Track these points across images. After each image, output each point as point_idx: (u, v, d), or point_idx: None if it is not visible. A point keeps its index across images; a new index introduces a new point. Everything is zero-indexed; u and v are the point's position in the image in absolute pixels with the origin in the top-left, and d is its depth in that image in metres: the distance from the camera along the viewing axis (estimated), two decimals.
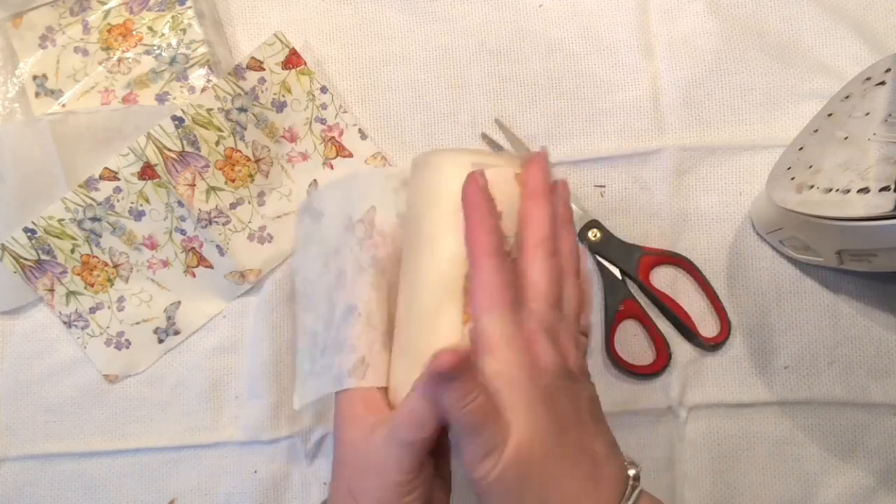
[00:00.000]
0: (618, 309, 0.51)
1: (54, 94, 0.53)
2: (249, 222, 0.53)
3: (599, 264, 0.52)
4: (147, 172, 0.51)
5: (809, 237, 0.46)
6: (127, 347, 0.53)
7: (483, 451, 0.33)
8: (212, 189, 0.52)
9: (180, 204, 0.52)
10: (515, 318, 0.35)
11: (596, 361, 0.52)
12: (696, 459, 0.51)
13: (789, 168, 0.46)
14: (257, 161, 0.53)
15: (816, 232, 0.45)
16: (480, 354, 0.34)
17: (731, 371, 0.51)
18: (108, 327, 0.53)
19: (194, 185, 0.51)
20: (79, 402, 0.53)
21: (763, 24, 0.54)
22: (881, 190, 0.38)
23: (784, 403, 0.51)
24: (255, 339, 0.52)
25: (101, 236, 0.52)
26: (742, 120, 0.53)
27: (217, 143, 0.52)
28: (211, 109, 0.51)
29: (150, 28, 0.52)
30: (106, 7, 0.53)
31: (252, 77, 0.52)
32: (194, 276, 0.53)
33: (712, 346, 0.51)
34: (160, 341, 0.53)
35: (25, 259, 0.52)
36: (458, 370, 0.32)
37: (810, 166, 0.44)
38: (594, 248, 0.52)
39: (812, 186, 0.42)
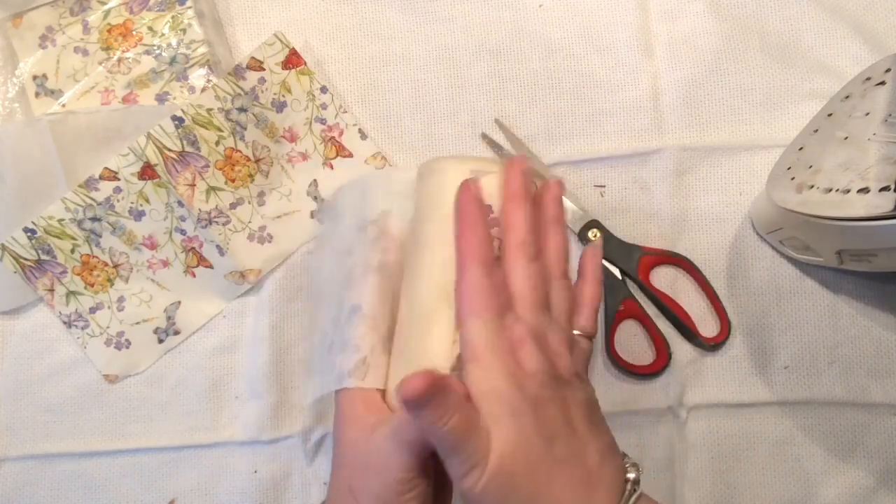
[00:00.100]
0: (618, 309, 0.51)
1: (54, 94, 0.53)
2: (249, 222, 0.53)
3: None
4: (147, 172, 0.51)
5: (809, 237, 0.46)
6: (127, 347, 0.53)
7: (466, 466, 0.32)
8: (212, 189, 0.52)
9: (180, 204, 0.52)
10: (501, 325, 0.34)
11: (596, 361, 0.52)
12: (696, 459, 0.51)
13: (789, 168, 0.46)
14: (257, 161, 0.53)
15: (816, 232, 0.44)
16: (466, 361, 0.34)
17: (731, 371, 0.51)
18: (108, 327, 0.53)
19: (194, 185, 0.51)
20: (79, 402, 0.53)
21: (763, 24, 0.54)
22: (881, 190, 0.38)
23: (784, 403, 0.51)
24: (255, 339, 0.52)
25: (101, 236, 0.52)
26: (742, 120, 0.53)
27: (217, 143, 0.52)
28: (211, 109, 0.51)
29: (150, 28, 0.52)
30: (106, 7, 0.53)
31: (252, 77, 0.52)
32: (194, 276, 0.53)
33: (712, 346, 0.51)
34: (160, 341, 0.53)
35: (25, 259, 0.52)
36: (427, 395, 0.31)
37: (810, 166, 0.44)
38: None
39: (812, 186, 0.42)
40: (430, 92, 0.54)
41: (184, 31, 0.52)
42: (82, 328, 0.53)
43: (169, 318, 0.53)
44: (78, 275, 0.53)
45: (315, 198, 0.54)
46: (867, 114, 0.44)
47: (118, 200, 0.52)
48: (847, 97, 0.47)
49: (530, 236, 0.37)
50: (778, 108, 0.53)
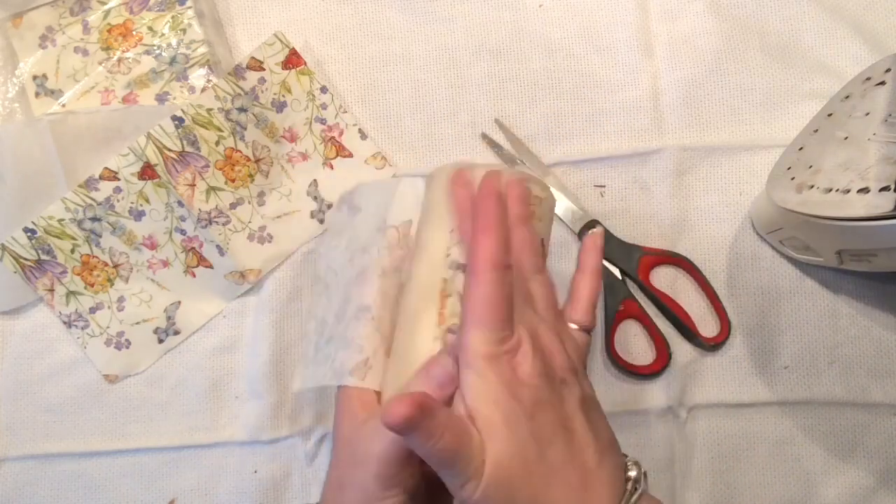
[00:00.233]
0: (618, 309, 0.51)
1: (54, 94, 0.53)
2: (249, 222, 0.53)
3: None
4: (147, 172, 0.51)
5: (809, 237, 0.46)
6: (127, 347, 0.53)
7: (461, 479, 0.32)
8: (212, 189, 0.52)
9: (180, 204, 0.52)
10: (504, 336, 0.34)
11: (596, 361, 0.52)
12: (696, 459, 0.51)
13: (789, 168, 0.46)
14: (257, 161, 0.53)
15: (816, 232, 0.44)
16: (462, 367, 0.34)
17: (731, 371, 0.51)
18: (108, 327, 0.53)
19: (194, 185, 0.51)
20: (79, 402, 0.53)
21: (763, 24, 0.54)
22: (881, 190, 0.38)
23: (784, 403, 0.51)
24: (255, 339, 0.52)
25: (101, 236, 0.52)
26: (742, 120, 0.53)
27: (217, 143, 0.52)
28: (211, 109, 0.51)
29: (150, 28, 0.52)
30: (106, 7, 0.53)
31: (252, 77, 0.52)
32: (194, 276, 0.53)
33: (712, 346, 0.51)
34: (160, 341, 0.53)
35: (25, 259, 0.52)
36: (413, 420, 0.30)
37: (810, 166, 0.44)
38: None
39: (812, 186, 0.42)
40: (430, 92, 0.54)
41: (184, 31, 0.52)
42: (82, 328, 0.53)
43: (169, 318, 0.53)
44: (78, 275, 0.53)
45: (315, 198, 0.54)
46: (867, 114, 0.44)
47: (118, 200, 0.52)
48: (847, 97, 0.47)
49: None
50: (778, 108, 0.53)
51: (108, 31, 0.53)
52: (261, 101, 0.52)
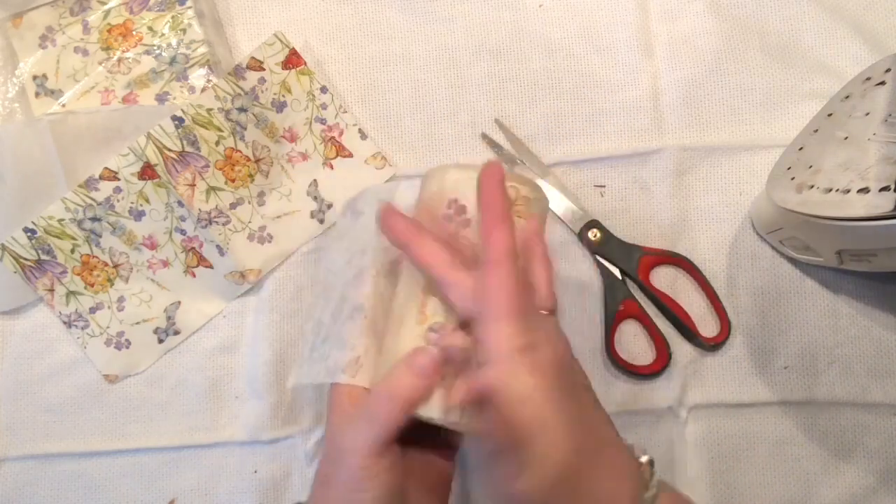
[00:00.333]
0: (618, 309, 0.51)
1: (54, 94, 0.53)
2: (249, 222, 0.53)
3: (599, 264, 0.52)
4: (147, 172, 0.51)
5: (809, 237, 0.46)
6: (127, 347, 0.53)
7: (515, 468, 0.32)
8: (212, 189, 0.52)
9: (180, 204, 0.52)
10: (530, 326, 0.34)
11: (596, 361, 0.52)
12: (696, 459, 0.51)
13: (789, 168, 0.46)
14: (257, 161, 0.53)
15: (816, 232, 0.44)
16: (492, 364, 0.33)
17: (731, 371, 0.51)
18: (108, 327, 0.53)
19: (194, 185, 0.51)
20: (79, 402, 0.53)
21: (763, 24, 0.54)
22: (881, 190, 0.38)
23: (784, 403, 0.51)
24: (255, 339, 0.52)
25: (101, 236, 0.52)
26: (742, 120, 0.53)
27: (217, 143, 0.52)
28: (211, 109, 0.51)
29: (150, 28, 0.52)
30: (106, 7, 0.53)
31: (252, 77, 0.52)
32: (194, 276, 0.53)
33: (712, 346, 0.51)
34: (160, 341, 0.53)
35: (25, 259, 0.52)
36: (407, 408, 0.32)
37: (810, 166, 0.44)
38: (594, 249, 0.52)
39: (812, 186, 0.42)
40: (430, 92, 0.54)
41: (184, 31, 0.52)
42: (82, 328, 0.53)
43: (169, 318, 0.53)
44: (78, 275, 0.53)
45: (315, 198, 0.54)
46: (867, 114, 0.44)
47: (118, 200, 0.52)
48: (847, 97, 0.47)
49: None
50: (778, 108, 0.53)
51: (108, 31, 0.53)
52: (261, 101, 0.52)
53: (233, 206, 0.52)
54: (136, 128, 0.51)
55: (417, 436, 0.38)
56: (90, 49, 0.53)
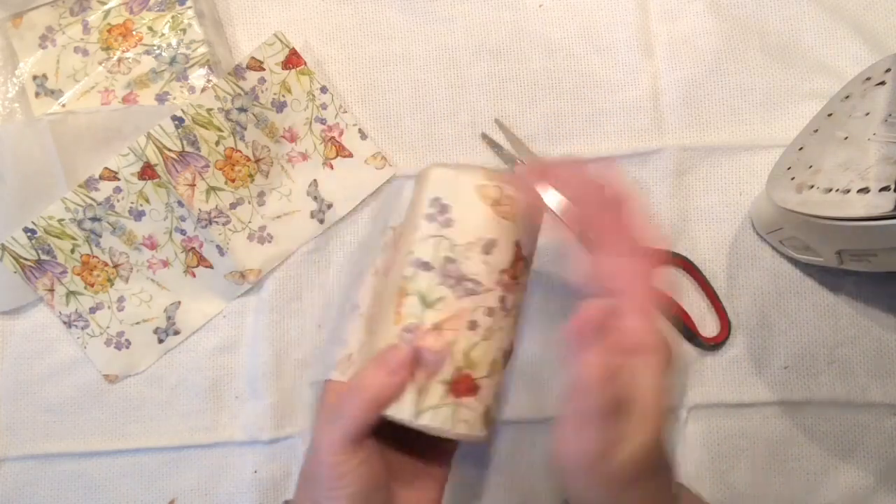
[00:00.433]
0: None
1: (54, 94, 0.53)
2: (249, 222, 0.53)
3: None
4: (147, 172, 0.51)
5: (809, 237, 0.46)
6: (127, 347, 0.53)
7: (617, 436, 0.33)
8: (212, 189, 0.52)
9: (180, 204, 0.52)
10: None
11: None
12: (696, 459, 0.51)
13: (789, 168, 0.46)
14: (257, 161, 0.53)
15: (816, 232, 0.44)
16: (642, 353, 0.34)
17: (731, 371, 0.51)
18: (108, 327, 0.53)
19: (194, 185, 0.51)
20: (79, 402, 0.53)
21: (763, 24, 0.54)
22: (881, 190, 0.38)
23: (784, 403, 0.51)
24: (255, 339, 0.52)
25: (101, 236, 0.52)
26: (742, 120, 0.53)
27: (217, 143, 0.52)
28: (211, 109, 0.51)
29: (150, 28, 0.52)
30: (106, 7, 0.53)
31: (252, 77, 0.52)
32: (194, 276, 0.53)
33: (712, 346, 0.51)
34: (160, 341, 0.53)
35: (25, 259, 0.52)
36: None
37: (810, 166, 0.44)
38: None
39: (812, 186, 0.42)
40: (430, 92, 0.54)
41: (184, 31, 0.52)
42: (82, 328, 0.53)
43: (169, 318, 0.53)
44: (78, 275, 0.53)
45: (315, 198, 0.54)
46: (867, 114, 0.44)
47: (118, 200, 0.52)
48: (847, 97, 0.47)
49: None
50: (778, 108, 0.53)
51: (108, 31, 0.53)
52: (261, 101, 0.52)
53: (233, 206, 0.52)
54: (136, 128, 0.51)
55: (408, 439, 0.38)
56: (90, 49, 0.53)
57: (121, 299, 0.53)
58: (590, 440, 0.33)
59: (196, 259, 0.53)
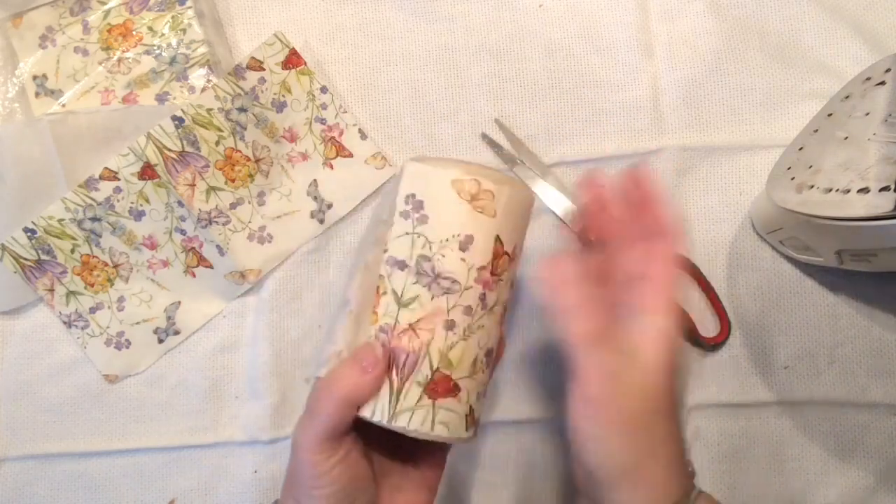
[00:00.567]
0: None
1: (54, 94, 0.53)
2: (249, 222, 0.53)
3: None
4: (147, 172, 0.51)
5: (809, 237, 0.46)
6: (127, 347, 0.53)
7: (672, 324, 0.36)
8: (212, 189, 0.52)
9: (180, 204, 0.52)
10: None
11: None
12: (696, 459, 0.51)
13: (789, 168, 0.46)
14: (257, 161, 0.53)
15: (816, 232, 0.44)
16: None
17: (731, 371, 0.51)
18: (108, 327, 0.53)
19: (194, 185, 0.51)
20: (79, 402, 0.53)
21: (763, 24, 0.54)
22: (881, 190, 0.38)
23: (784, 403, 0.51)
24: (255, 339, 0.52)
25: (101, 236, 0.52)
26: (742, 120, 0.53)
27: (217, 143, 0.52)
28: (211, 109, 0.51)
29: (150, 28, 0.52)
30: (106, 7, 0.53)
31: (252, 77, 0.52)
32: (194, 276, 0.53)
33: (712, 346, 0.51)
34: (160, 341, 0.53)
35: (25, 259, 0.52)
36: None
37: (810, 166, 0.44)
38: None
39: (812, 186, 0.42)
40: (430, 92, 0.54)
41: (184, 31, 0.52)
42: (82, 328, 0.53)
43: (169, 318, 0.53)
44: (78, 275, 0.53)
45: (315, 198, 0.54)
46: (867, 114, 0.44)
47: (118, 200, 0.52)
48: (847, 97, 0.47)
49: None
50: (778, 108, 0.53)
51: (108, 31, 0.53)
52: (261, 101, 0.52)
53: (233, 206, 0.52)
54: (136, 128, 0.51)
55: (397, 442, 0.38)
56: (90, 49, 0.53)
57: (121, 299, 0.53)
58: (597, 317, 0.35)
59: (196, 259, 0.53)
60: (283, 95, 0.53)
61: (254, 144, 0.53)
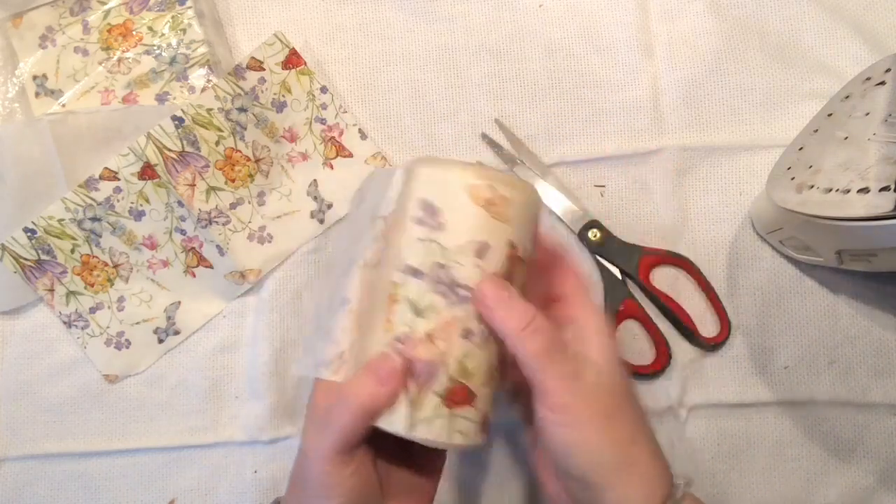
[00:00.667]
0: (618, 309, 0.51)
1: (54, 94, 0.53)
2: (249, 222, 0.53)
3: (599, 264, 0.52)
4: (147, 172, 0.51)
5: (809, 237, 0.46)
6: (127, 347, 0.53)
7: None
8: (212, 189, 0.52)
9: (180, 204, 0.52)
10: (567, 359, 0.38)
11: None
12: (696, 459, 0.51)
13: (789, 168, 0.46)
14: (257, 161, 0.53)
15: (816, 232, 0.44)
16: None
17: (731, 371, 0.51)
18: (108, 327, 0.53)
19: (194, 185, 0.51)
20: (79, 402, 0.53)
21: (763, 24, 0.54)
22: (881, 190, 0.38)
23: (784, 403, 0.51)
24: (255, 339, 0.52)
25: (101, 236, 0.52)
26: (742, 120, 0.53)
27: (217, 143, 0.52)
28: (211, 109, 0.51)
29: (150, 28, 0.52)
30: (106, 7, 0.53)
31: (252, 77, 0.52)
32: (194, 276, 0.53)
33: (712, 346, 0.51)
34: (160, 341, 0.53)
35: (25, 259, 0.52)
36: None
37: (810, 166, 0.44)
38: (594, 249, 0.52)
39: (812, 186, 0.42)
40: (429, 92, 0.54)
41: (184, 31, 0.52)
42: (82, 328, 0.53)
43: (169, 318, 0.53)
44: (78, 275, 0.53)
45: (315, 198, 0.54)
46: (867, 114, 0.44)
47: (118, 200, 0.52)
48: (847, 97, 0.47)
49: None
50: (778, 108, 0.53)
51: (108, 31, 0.53)
52: (261, 101, 0.52)
53: (233, 206, 0.52)
54: (136, 128, 0.51)
55: (396, 450, 0.38)
56: (90, 49, 0.53)
57: (121, 299, 0.53)
58: (547, 330, 0.36)
59: (196, 259, 0.53)
60: (283, 95, 0.53)
61: (254, 144, 0.53)
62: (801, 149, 0.47)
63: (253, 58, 0.52)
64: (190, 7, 0.52)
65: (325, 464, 0.35)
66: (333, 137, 0.54)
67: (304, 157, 0.54)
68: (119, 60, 0.52)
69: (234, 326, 0.53)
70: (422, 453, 0.38)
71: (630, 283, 0.52)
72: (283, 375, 0.52)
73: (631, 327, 0.52)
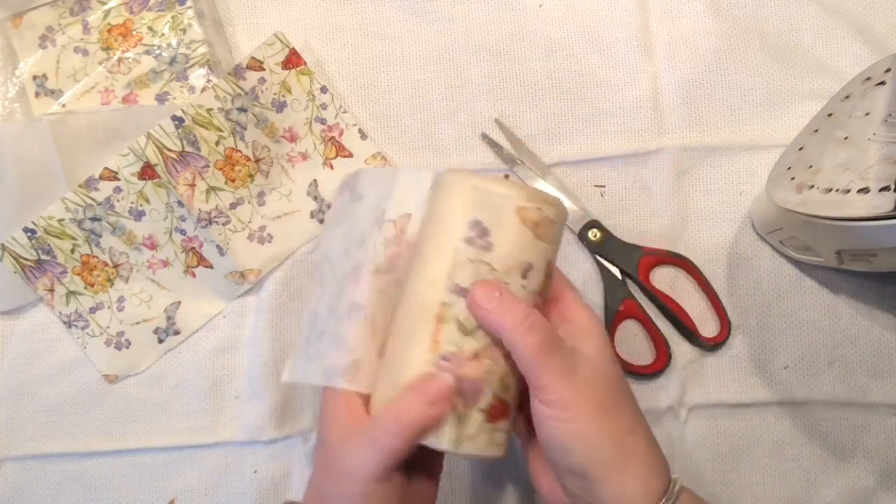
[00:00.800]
0: (618, 309, 0.51)
1: (54, 94, 0.53)
2: (249, 222, 0.53)
3: (599, 264, 0.52)
4: (147, 172, 0.51)
5: (809, 237, 0.46)
6: (127, 347, 0.53)
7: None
8: (212, 189, 0.52)
9: (180, 204, 0.52)
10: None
11: None
12: (696, 459, 0.51)
13: (789, 168, 0.46)
14: (257, 161, 0.53)
15: (816, 232, 0.44)
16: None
17: (731, 371, 0.51)
18: (108, 327, 0.53)
19: (194, 185, 0.51)
20: (79, 402, 0.53)
21: (763, 24, 0.54)
22: (881, 190, 0.38)
23: (784, 403, 0.51)
24: (255, 339, 0.52)
25: (101, 236, 0.52)
26: (742, 120, 0.53)
27: (217, 143, 0.52)
28: (211, 109, 0.51)
29: (150, 28, 0.52)
30: (106, 7, 0.53)
31: (252, 77, 0.52)
32: (194, 276, 0.53)
33: (712, 346, 0.51)
34: (160, 341, 0.53)
35: (25, 259, 0.52)
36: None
37: (810, 166, 0.44)
38: (594, 249, 0.52)
39: (812, 186, 0.42)
40: (429, 92, 0.54)
41: (184, 31, 0.52)
42: (82, 328, 0.53)
43: (169, 318, 0.53)
44: (78, 275, 0.53)
45: (315, 198, 0.54)
46: (867, 114, 0.44)
47: (118, 200, 0.52)
48: (847, 97, 0.47)
49: None
50: (778, 108, 0.53)
51: (108, 31, 0.53)
52: (261, 101, 0.52)
53: (233, 206, 0.52)
54: (136, 128, 0.51)
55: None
56: (90, 49, 0.53)
57: (121, 299, 0.53)
58: (543, 325, 0.36)
59: (196, 259, 0.53)
60: (283, 95, 0.53)
61: (254, 144, 0.53)
62: (801, 149, 0.47)
63: (253, 58, 0.52)
64: (190, 7, 0.52)
65: (366, 485, 0.35)
66: (333, 137, 0.54)
67: (304, 157, 0.54)
68: (119, 60, 0.52)
69: (234, 326, 0.53)
70: (428, 457, 0.38)
71: (630, 283, 0.52)
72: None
73: (631, 327, 0.52)
